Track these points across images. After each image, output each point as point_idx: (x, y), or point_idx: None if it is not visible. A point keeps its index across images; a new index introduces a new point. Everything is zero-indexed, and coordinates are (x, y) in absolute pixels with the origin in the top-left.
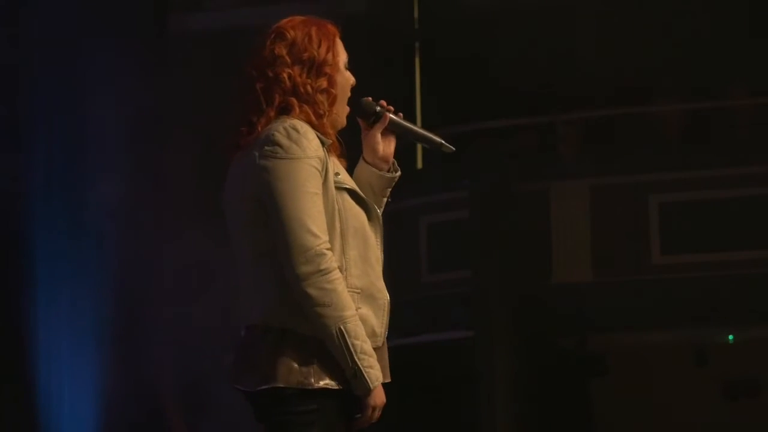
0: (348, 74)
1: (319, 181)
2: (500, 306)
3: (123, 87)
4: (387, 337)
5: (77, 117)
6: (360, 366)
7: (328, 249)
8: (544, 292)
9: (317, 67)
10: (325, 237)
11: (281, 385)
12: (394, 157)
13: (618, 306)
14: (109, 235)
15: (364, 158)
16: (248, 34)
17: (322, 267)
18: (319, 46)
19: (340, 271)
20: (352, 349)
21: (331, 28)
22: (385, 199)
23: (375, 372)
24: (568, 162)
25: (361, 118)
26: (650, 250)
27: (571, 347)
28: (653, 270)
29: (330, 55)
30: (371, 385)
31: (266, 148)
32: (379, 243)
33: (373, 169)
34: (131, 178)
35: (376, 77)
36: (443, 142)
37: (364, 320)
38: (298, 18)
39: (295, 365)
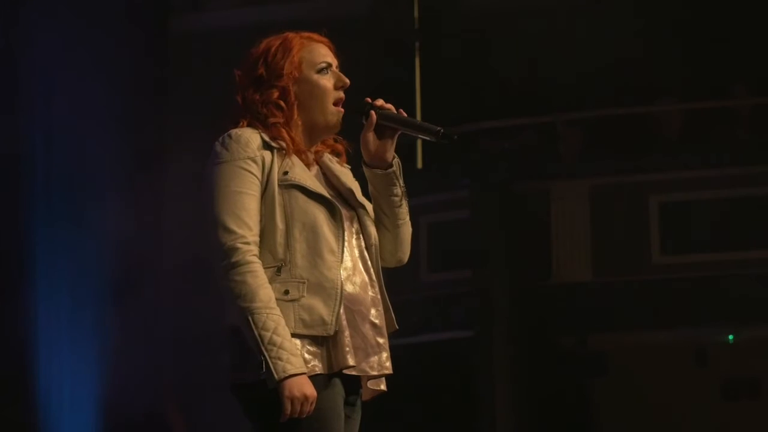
0: (320, 78)
1: (249, 179)
2: (500, 306)
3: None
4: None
5: (77, 116)
6: (266, 356)
7: (244, 243)
8: (544, 291)
9: (266, 82)
10: (242, 232)
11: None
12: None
13: (618, 306)
14: (109, 234)
15: (363, 160)
16: (248, 34)
17: (233, 260)
18: (272, 60)
19: (284, 263)
20: (258, 340)
21: (299, 39)
22: (396, 198)
23: (284, 364)
24: (568, 162)
25: (359, 118)
26: (650, 250)
27: (571, 347)
28: (653, 270)
29: (285, 66)
30: (276, 376)
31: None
32: (340, 237)
33: (368, 168)
34: (131, 177)
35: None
36: (441, 129)
37: (310, 309)
38: (273, 37)
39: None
